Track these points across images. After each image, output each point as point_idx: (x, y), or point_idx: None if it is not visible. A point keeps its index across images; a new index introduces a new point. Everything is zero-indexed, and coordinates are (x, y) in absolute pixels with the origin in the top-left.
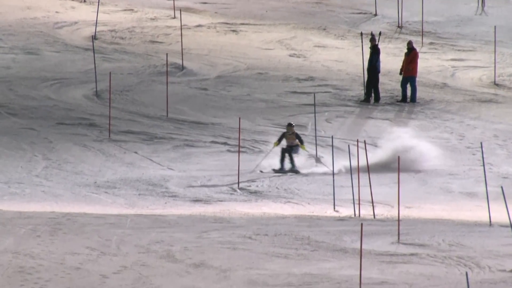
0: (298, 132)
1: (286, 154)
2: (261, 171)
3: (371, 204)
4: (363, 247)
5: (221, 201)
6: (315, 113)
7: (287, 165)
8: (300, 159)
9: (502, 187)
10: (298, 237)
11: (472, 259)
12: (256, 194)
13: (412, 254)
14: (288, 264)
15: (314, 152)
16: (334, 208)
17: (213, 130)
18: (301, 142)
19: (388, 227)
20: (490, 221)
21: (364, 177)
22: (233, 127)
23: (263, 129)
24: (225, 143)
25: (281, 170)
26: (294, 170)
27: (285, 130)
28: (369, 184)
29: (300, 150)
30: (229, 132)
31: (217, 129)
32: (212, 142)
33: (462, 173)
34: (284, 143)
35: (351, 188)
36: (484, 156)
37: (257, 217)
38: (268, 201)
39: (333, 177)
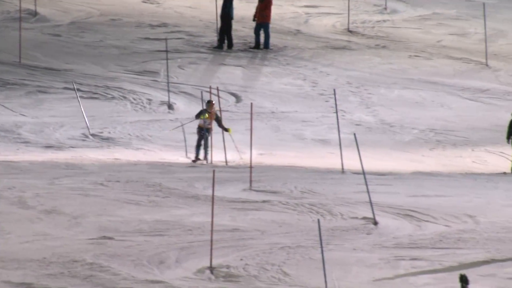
0: (154, 79)
1: (202, 141)
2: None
3: (223, 150)
4: (215, 194)
5: (73, 147)
6: (167, 59)
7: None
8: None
9: (354, 134)
10: (149, 183)
11: (324, 206)
12: (108, 140)
13: (264, 201)
14: (139, 211)
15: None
16: (186, 155)
17: (66, 76)
18: (220, 123)
19: (240, 174)
20: (343, 168)
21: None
22: (86, 73)
23: (115, 75)
24: (77, 89)
25: (197, 159)
26: (207, 158)
27: (204, 108)
28: (221, 131)
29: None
30: (82, 78)
31: (70, 75)
32: (65, 88)
33: (315, 120)
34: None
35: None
36: (337, 103)
37: (109, 163)
38: (120, 147)
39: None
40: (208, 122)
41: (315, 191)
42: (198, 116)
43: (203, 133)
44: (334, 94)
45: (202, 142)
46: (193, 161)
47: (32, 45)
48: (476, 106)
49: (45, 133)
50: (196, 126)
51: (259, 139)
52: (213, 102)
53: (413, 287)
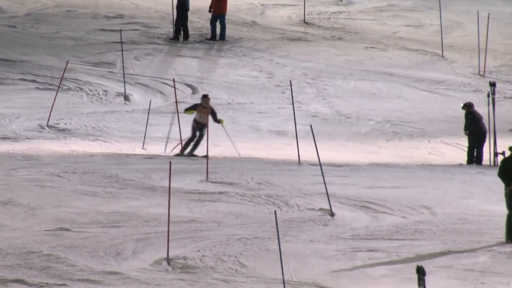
0: (110, 70)
1: (197, 135)
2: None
3: (180, 141)
4: (171, 185)
5: (30, 138)
6: (122, 50)
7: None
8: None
9: (311, 126)
10: (106, 175)
11: (281, 198)
12: (65, 131)
13: (220, 193)
14: (96, 202)
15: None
16: (143, 146)
17: (22, 67)
18: (215, 118)
19: (197, 165)
20: (299, 160)
21: (171, 116)
22: (42, 65)
23: (71, 66)
24: (33, 81)
25: (185, 151)
26: (190, 155)
27: (198, 102)
28: (177, 123)
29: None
30: (38, 69)
31: (26, 66)
32: (21, 79)
33: (271, 111)
34: (195, 116)
35: (159, 126)
36: (294, 94)
37: (66, 155)
38: (77, 139)
39: (148, 116)
40: (204, 117)
41: (271, 182)
42: (190, 109)
43: (200, 128)
44: (291, 85)
45: (197, 136)
46: (178, 154)
47: None
48: (432, 98)
49: (1, 124)
50: (192, 120)
51: (215, 130)
52: (209, 97)
53: (370, 279)
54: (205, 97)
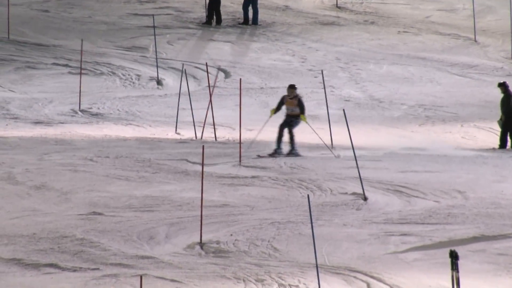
0: (143, 54)
1: (286, 130)
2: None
3: (213, 126)
4: (204, 169)
5: (63, 123)
6: (155, 35)
7: (285, 146)
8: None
9: (343, 110)
10: (139, 159)
11: (314, 182)
12: (98, 116)
13: (253, 177)
14: (129, 187)
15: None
16: (176, 131)
17: (55, 52)
18: (302, 110)
19: (230, 150)
20: (332, 144)
21: (206, 100)
22: (75, 49)
23: (104, 51)
24: (66, 65)
25: (277, 152)
26: (293, 153)
27: (285, 94)
28: (210, 107)
29: (302, 122)
30: (71, 54)
31: (59, 51)
32: (54, 64)
33: (304, 95)
34: (283, 110)
35: (191, 110)
36: (326, 79)
37: (99, 139)
38: (110, 123)
39: (178, 100)
40: (291, 108)
41: (304, 166)
42: (279, 105)
43: (286, 120)
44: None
45: (286, 131)
46: (271, 154)
47: (20, 21)
48: (465, 82)
49: (34, 108)
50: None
51: (248, 114)
52: (296, 86)
53: (403, 263)
54: (291, 87)
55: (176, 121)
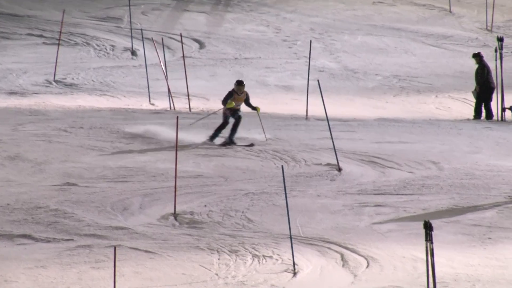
0: (117, 25)
1: (230, 120)
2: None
3: (187, 97)
4: (178, 140)
5: (37, 93)
6: (129, 5)
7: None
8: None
9: (318, 81)
10: (113, 130)
11: (288, 153)
12: (72, 87)
13: (227, 148)
14: (103, 157)
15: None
16: (150, 101)
17: (29, 22)
18: (249, 104)
19: (204, 121)
20: (307, 115)
21: (180, 70)
22: (49, 19)
23: (78, 21)
24: (41, 36)
25: (212, 139)
26: (230, 142)
27: (233, 89)
28: (185, 77)
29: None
30: (45, 24)
31: (33, 21)
32: (28, 34)
33: (278, 66)
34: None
35: (165, 81)
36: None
37: (73, 110)
38: (84, 94)
39: (146, 70)
40: (238, 104)
41: (278, 137)
42: (229, 101)
43: (234, 113)
44: (310, 56)
45: (229, 122)
46: (209, 140)
47: None
48: (439, 53)
49: (9, 79)
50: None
51: (222, 85)
52: (244, 84)
53: (378, 234)
54: (239, 84)
55: (148, 91)
